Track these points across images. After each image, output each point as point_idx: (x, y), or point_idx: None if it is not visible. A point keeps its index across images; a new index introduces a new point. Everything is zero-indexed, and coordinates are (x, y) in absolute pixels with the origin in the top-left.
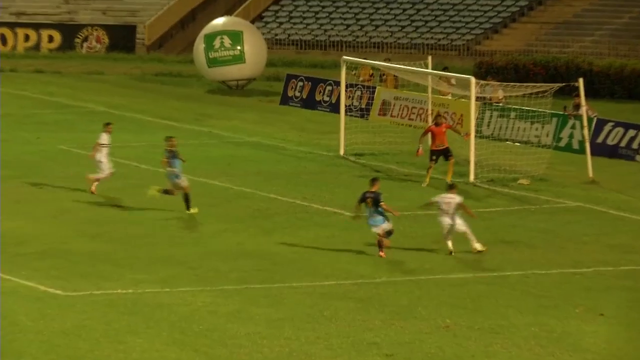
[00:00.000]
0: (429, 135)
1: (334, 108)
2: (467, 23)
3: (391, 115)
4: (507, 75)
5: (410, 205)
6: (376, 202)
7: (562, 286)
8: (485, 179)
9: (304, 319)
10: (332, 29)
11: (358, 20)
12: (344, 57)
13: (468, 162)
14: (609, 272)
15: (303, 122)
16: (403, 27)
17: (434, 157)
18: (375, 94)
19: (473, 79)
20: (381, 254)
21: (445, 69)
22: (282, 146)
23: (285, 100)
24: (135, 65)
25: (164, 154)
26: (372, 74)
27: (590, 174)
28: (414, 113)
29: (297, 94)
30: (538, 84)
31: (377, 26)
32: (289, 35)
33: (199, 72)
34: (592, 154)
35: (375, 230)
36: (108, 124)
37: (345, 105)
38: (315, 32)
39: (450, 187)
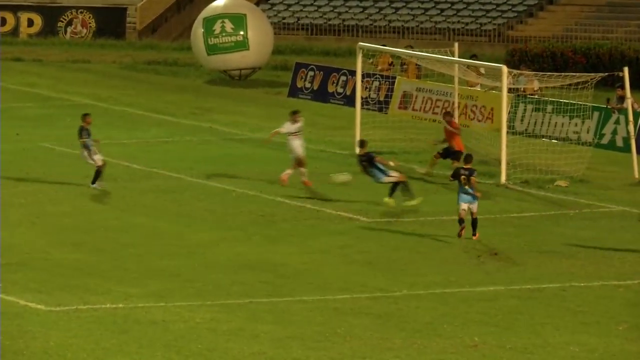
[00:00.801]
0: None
1: (349, 101)
2: (498, 5)
3: (413, 109)
4: (543, 64)
5: (435, 210)
6: (470, 179)
7: (604, 301)
8: (519, 180)
9: (315, 338)
10: (346, 12)
11: (376, 2)
12: (360, 43)
13: (499, 161)
14: None
15: (314, 117)
16: (426, 9)
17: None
18: (395, 85)
19: (505, 69)
20: (475, 237)
21: (473, 56)
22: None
23: (294, 92)
24: (126, 52)
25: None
26: (392, 62)
27: (636, 174)
28: (438, 106)
29: (308, 85)
30: (578, 74)
31: (397, 9)
32: (298, 19)
33: (197, 61)
34: (639, 152)
35: (471, 207)
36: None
37: (362, 98)
38: (328, 15)
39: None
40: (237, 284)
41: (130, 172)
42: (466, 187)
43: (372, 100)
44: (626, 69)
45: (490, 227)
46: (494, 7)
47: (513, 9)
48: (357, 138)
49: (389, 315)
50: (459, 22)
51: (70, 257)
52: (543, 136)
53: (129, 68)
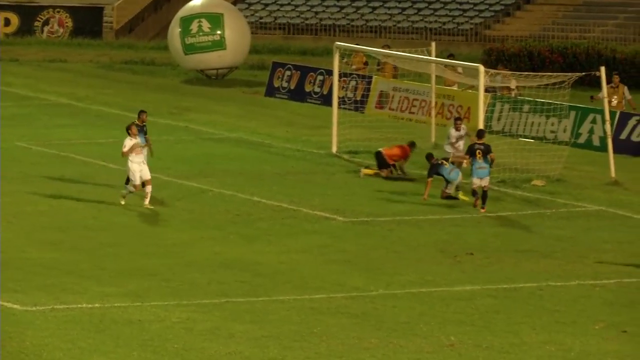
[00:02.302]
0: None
1: (326, 100)
2: (475, 5)
3: (390, 109)
4: (520, 64)
5: (412, 209)
6: (486, 153)
7: (581, 300)
8: (495, 179)
9: (292, 337)
10: (323, 11)
11: (353, 1)
12: (337, 43)
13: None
14: (633, 284)
15: (291, 116)
16: (403, 9)
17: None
18: (372, 84)
19: (482, 68)
20: (483, 209)
21: (450, 56)
22: (267, 143)
23: (271, 91)
24: (103, 52)
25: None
26: (367, 61)
27: (613, 174)
28: (415, 106)
29: (285, 84)
30: (555, 74)
31: (374, 8)
32: (275, 18)
33: (174, 60)
34: (615, 151)
35: (481, 183)
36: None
37: (339, 97)
38: (305, 14)
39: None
40: (214, 283)
41: (107, 171)
42: (480, 161)
43: (349, 100)
44: (603, 69)
45: (466, 227)
46: (471, 6)
47: (490, 9)
48: (334, 137)
49: (366, 315)
50: (436, 21)
51: (47, 257)
52: (520, 135)
53: (106, 67)
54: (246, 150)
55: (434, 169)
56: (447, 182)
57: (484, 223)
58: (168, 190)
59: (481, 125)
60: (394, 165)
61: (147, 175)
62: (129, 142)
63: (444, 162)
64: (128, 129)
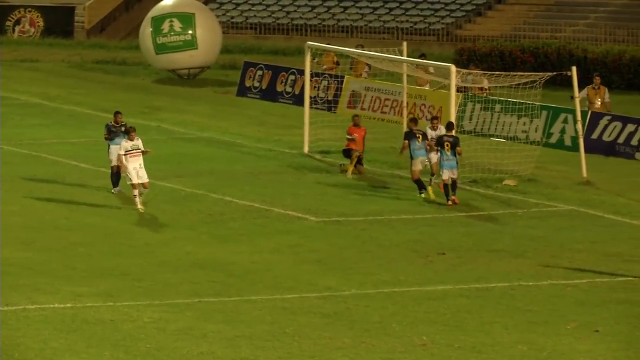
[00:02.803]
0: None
1: (298, 100)
2: (446, 5)
3: (361, 108)
4: (491, 63)
5: (383, 209)
6: (454, 146)
7: (553, 300)
8: (467, 179)
9: (264, 337)
10: (295, 10)
11: (324, 1)
12: (309, 42)
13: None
14: (605, 284)
15: (262, 116)
16: (375, 9)
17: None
18: (344, 84)
19: (453, 68)
20: (453, 199)
21: (422, 56)
22: (239, 143)
23: (242, 91)
24: (74, 51)
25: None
26: (338, 61)
27: (585, 173)
28: (387, 105)
29: (256, 84)
30: (526, 73)
31: (345, 8)
32: (246, 18)
33: (146, 60)
34: (587, 151)
35: (450, 175)
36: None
37: (310, 97)
38: (277, 14)
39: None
40: (186, 283)
41: (79, 171)
42: (448, 153)
43: (320, 100)
44: (574, 68)
45: (439, 227)
46: (443, 6)
47: (461, 8)
48: (306, 137)
49: (338, 315)
50: (407, 21)
51: (18, 256)
52: (491, 135)
53: (78, 67)
54: (218, 150)
55: (409, 136)
56: (411, 157)
57: (456, 223)
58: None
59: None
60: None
61: (144, 179)
62: (124, 145)
63: (420, 135)
64: (127, 132)
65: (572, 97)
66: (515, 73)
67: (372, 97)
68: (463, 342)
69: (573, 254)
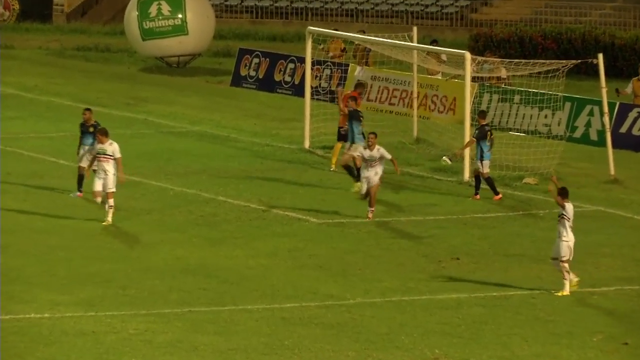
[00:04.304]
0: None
1: (298, 90)
2: None
3: (368, 99)
4: (510, 50)
5: (390, 210)
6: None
7: (578, 309)
8: (484, 177)
9: (261, 350)
10: None
11: None
12: (310, 27)
13: (462, 157)
14: (634, 292)
15: (259, 108)
16: None
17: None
18: (348, 73)
19: (468, 55)
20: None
21: (434, 42)
22: (233, 137)
23: (237, 80)
24: (53, 37)
25: None
26: (344, 48)
27: (612, 171)
28: (395, 96)
29: (252, 73)
30: (548, 61)
31: None
32: (242, 0)
33: (131, 46)
34: (614, 146)
35: (487, 169)
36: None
37: (311, 87)
38: None
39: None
40: (175, 290)
41: (58, 168)
42: (489, 144)
43: (323, 90)
44: (600, 56)
45: (452, 229)
46: None
47: None
48: (307, 131)
49: (342, 325)
50: (417, 4)
51: None
52: (510, 129)
53: (57, 54)
54: (210, 145)
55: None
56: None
57: (471, 225)
58: (124, 189)
59: (468, 118)
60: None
61: (108, 187)
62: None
63: (362, 118)
64: (94, 135)
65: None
66: (536, 61)
67: (380, 87)
68: (479, 355)
69: (599, 258)
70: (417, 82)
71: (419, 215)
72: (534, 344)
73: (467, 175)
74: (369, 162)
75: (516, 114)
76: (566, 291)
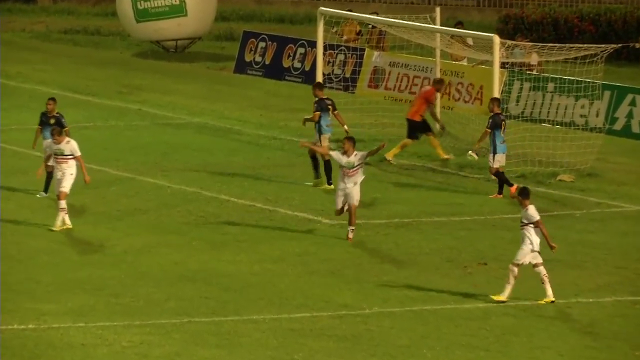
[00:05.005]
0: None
1: (308, 78)
2: None
3: (385, 88)
4: (543, 34)
5: (411, 210)
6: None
7: (617, 320)
8: (514, 173)
9: None
10: None
11: None
12: (321, 8)
13: (490, 151)
14: None
15: (266, 97)
16: None
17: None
18: (364, 58)
19: (497, 39)
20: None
21: (459, 24)
22: (237, 129)
23: (241, 67)
24: (38, 19)
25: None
26: (360, 31)
27: None
28: (416, 84)
29: (258, 58)
30: (585, 45)
31: None
32: None
33: (124, 29)
34: None
35: (497, 164)
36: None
37: (324, 74)
38: None
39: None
40: (173, 299)
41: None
42: (503, 135)
43: (336, 77)
44: None
45: (479, 231)
46: None
47: None
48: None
49: (357, 338)
50: None
51: None
52: (543, 121)
53: (42, 38)
54: (211, 138)
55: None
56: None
57: (499, 226)
58: (117, 186)
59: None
60: (423, 124)
61: (61, 185)
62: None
63: (331, 106)
64: (52, 133)
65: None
66: (571, 45)
67: (399, 74)
68: None
69: None
70: (440, 69)
71: (442, 216)
72: (569, 357)
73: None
74: (346, 170)
75: (550, 104)
76: (504, 297)
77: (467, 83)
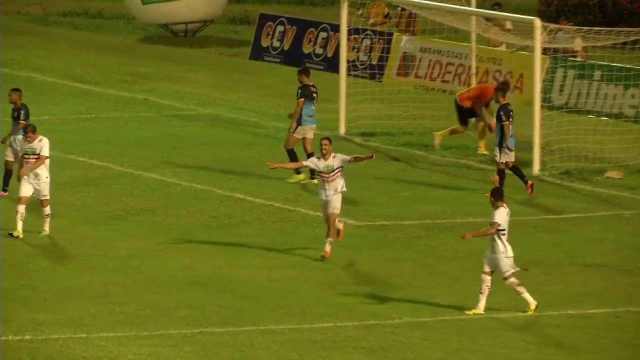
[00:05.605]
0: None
1: (331, 65)
2: None
3: (416, 76)
4: (588, 16)
5: (444, 210)
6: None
7: None
8: (557, 170)
9: None
10: None
11: None
12: None
13: (530, 145)
14: None
15: (284, 86)
16: None
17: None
18: (393, 43)
19: (538, 22)
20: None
21: (496, 6)
22: (253, 122)
23: (257, 52)
24: (34, 0)
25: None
26: (388, 14)
27: None
28: (449, 72)
29: (276, 43)
30: (635, 29)
31: None
32: None
33: (129, 11)
34: None
35: (505, 159)
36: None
37: (348, 61)
38: None
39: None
40: (184, 307)
41: None
42: (511, 127)
43: (361, 64)
44: None
45: (520, 233)
46: None
47: None
48: (342, 114)
49: (385, 350)
50: None
51: None
52: (589, 112)
53: (38, 21)
54: (225, 131)
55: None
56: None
57: (541, 228)
58: (121, 184)
59: (538, 98)
60: (471, 111)
61: (42, 193)
62: (21, 144)
63: (315, 95)
64: (24, 130)
65: None
66: (620, 29)
67: (430, 61)
68: None
69: None
70: (476, 55)
71: (478, 216)
72: None
73: (536, 167)
74: (325, 176)
75: (596, 94)
76: (479, 309)
77: (505, 71)
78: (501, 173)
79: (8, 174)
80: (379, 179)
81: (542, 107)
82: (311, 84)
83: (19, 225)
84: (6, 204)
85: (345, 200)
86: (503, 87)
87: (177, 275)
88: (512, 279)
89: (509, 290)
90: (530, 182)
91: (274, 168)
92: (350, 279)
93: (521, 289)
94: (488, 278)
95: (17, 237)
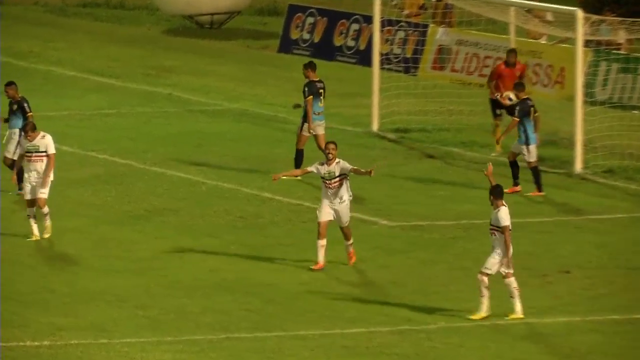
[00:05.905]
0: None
1: (363, 58)
2: None
3: (452, 70)
4: (634, 7)
5: (482, 209)
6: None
7: None
8: (600, 168)
9: None
10: None
11: None
12: None
13: (572, 142)
14: None
15: None
16: None
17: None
18: (428, 36)
19: (580, 13)
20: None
21: None
22: (281, 117)
23: (286, 45)
24: None
25: None
26: (423, 5)
27: None
28: (487, 66)
29: (306, 36)
30: None
31: None
32: None
33: (153, 2)
34: None
35: (535, 157)
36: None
37: (381, 54)
38: None
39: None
40: (209, 312)
41: (58, 155)
42: (533, 124)
43: (395, 58)
44: None
45: (561, 234)
46: None
47: None
48: (375, 109)
49: (421, 356)
50: None
51: None
52: (634, 107)
53: (57, 12)
54: (252, 127)
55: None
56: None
57: (584, 229)
58: (144, 182)
59: (580, 93)
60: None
61: (39, 191)
62: (22, 143)
63: (322, 90)
64: (24, 129)
65: None
66: None
67: (467, 54)
68: None
69: None
70: (515, 48)
71: (518, 216)
72: None
73: (578, 165)
74: (327, 182)
75: None
76: (483, 313)
77: (545, 64)
78: (534, 170)
79: (20, 172)
80: (413, 178)
81: (584, 102)
82: (317, 79)
83: (34, 228)
84: (6, 204)
85: (378, 199)
86: (517, 86)
87: (202, 278)
88: (485, 279)
89: (549, 294)
90: (518, 188)
91: (276, 179)
92: (384, 282)
93: (484, 292)
94: (509, 280)
95: (36, 239)
